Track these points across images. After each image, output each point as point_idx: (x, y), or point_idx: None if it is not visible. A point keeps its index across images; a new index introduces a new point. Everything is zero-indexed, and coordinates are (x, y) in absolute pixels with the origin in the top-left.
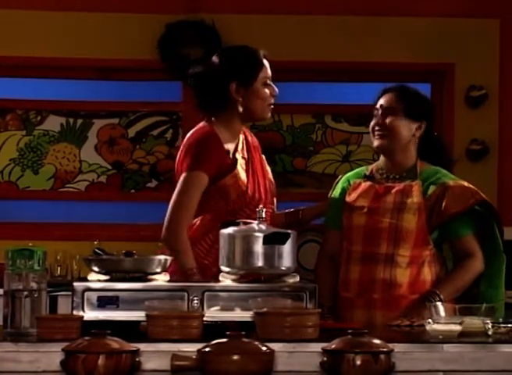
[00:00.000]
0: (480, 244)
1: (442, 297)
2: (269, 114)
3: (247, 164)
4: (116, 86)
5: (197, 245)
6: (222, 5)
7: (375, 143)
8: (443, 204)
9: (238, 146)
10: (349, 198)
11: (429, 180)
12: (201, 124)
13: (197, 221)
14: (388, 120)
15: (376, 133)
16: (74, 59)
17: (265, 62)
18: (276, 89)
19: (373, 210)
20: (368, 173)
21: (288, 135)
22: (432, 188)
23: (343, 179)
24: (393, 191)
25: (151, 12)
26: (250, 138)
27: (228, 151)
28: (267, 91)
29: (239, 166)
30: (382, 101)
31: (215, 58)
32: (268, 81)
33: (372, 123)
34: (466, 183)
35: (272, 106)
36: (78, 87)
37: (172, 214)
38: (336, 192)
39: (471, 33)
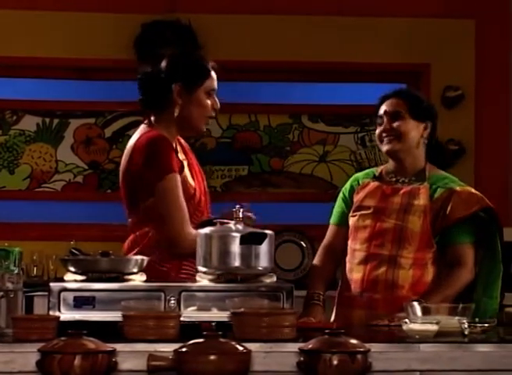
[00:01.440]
0: (480, 252)
1: None
2: (204, 127)
3: (188, 166)
4: (92, 86)
5: (151, 255)
6: (198, 4)
7: (385, 147)
8: (448, 208)
9: (177, 148)
10: (357, 197)
11: (437, 184)
12: (145, 129)
13: (150, 230)
14: (395, 124)
15: (385, 138)
16: (50, 59)
17: (213, 73)
18: (219, 104)
19: (379, 210)
20: (377, 174)
21: (265, 135)
22: (438, 191)
23: (352, 178)
24: (401, 192)
25: (126, 11)
26: (182, 141)
27: (176, 152)
28: (209, 102)
29: (185, 168)
30: (385, 108)
31: (164, 60)
32: (212, 93)
33: (378, 131)
34: (473, 190)
35: (209, 121)
36: (54, 86)
37: (172, 223)
38: (344, 189)
39: (446, 34)
